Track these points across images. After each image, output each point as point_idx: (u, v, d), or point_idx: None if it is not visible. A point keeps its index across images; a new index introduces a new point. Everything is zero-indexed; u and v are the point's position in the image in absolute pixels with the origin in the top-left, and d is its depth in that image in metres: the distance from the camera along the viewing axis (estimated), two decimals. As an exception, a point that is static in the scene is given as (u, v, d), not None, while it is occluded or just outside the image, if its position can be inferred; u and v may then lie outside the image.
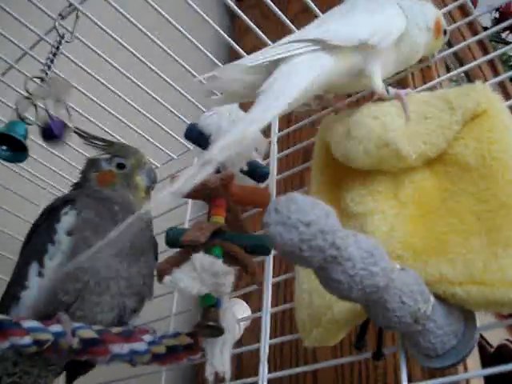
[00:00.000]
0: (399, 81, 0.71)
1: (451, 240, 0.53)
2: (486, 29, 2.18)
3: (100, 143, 0.76)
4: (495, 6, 0.80)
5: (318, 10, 0.80)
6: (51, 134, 0.70)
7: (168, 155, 0.99)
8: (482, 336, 0.93)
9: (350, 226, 0.59)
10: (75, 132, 0.75)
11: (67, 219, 0.68)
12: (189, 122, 0.87)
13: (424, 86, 0.74)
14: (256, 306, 0.74)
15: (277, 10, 0.79)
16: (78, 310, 0.64)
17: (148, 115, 0.91)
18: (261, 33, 0.83)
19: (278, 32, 0.96)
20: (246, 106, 0.60)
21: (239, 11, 0.81)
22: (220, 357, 0.63)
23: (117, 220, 0.68)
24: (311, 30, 0.62)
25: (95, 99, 0.88)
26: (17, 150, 0.71)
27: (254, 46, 1.04)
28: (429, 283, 0.51)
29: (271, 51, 0.59)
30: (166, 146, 0.98)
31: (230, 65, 0.60)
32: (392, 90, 0.62)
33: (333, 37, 0.59)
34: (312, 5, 0.80)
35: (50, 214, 0.70)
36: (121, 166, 0.74)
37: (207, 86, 0.63)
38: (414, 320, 0.47)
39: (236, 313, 0.72)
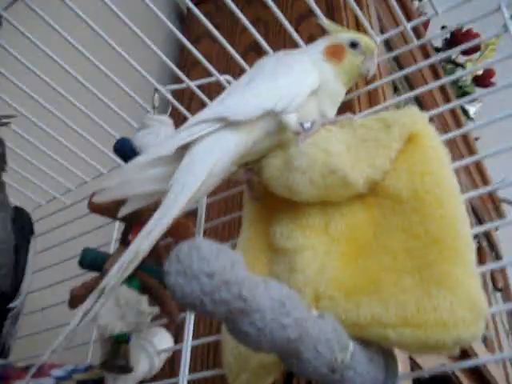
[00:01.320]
0: (345, 106, 0.67)
1: (384, 279, 0.50)
2: (437, 49, 2.20)
3: None
4: (450, 30, 0.73)
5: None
6: None
7: (97, 170, 0.95)
8: (414, 360, 0.92)
9: (279, 262, 0.57)
10: None
11: None
12: (117, 136, 0.84)
13: (369, 110, 0.70)
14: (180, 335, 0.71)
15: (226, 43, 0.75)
16: None
17: (76, 128, 0.87)
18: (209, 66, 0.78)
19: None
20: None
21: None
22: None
23: None
24: (215, 107, 0.59)
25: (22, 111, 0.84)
26: None
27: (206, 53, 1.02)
28: (361, 325, 0.48)
29: (171, 140, 0.56)
30: (96, 160, 0.94)
31: (123, 166, 0.57)
32: (306, 123, 0.58)
33: (234, 112, 0.56)
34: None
35: None
36: None
37: (108, 196, 0.56)
38: (330, 370, 0.44)
39: (157, 343, 0.68)
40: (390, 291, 0.49)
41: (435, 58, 0.76)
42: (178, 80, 0.81)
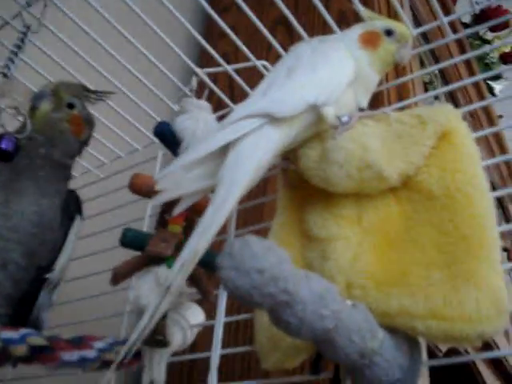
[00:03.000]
0: (374, 99, 0.67)
1: (413, 272, 0.53)
2: (465, 25, 2.18)
3: None
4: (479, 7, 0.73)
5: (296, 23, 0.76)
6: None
7: (132, 146, 0.98)
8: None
9: (312, 249, 0.59)
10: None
11: None
12: (152, 114, 0.87)
13: (398, 105, 0.72)
14: (212, 310, 0.74)
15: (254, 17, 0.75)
16: None
17: (113, 105, 0.89)
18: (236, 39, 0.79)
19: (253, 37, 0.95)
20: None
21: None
22: (157, 367, 0.64)
23: None
24: (257, 101, 0.60)
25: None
26: None
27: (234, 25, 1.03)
28: (390, 315, 0.51)
29: (218, 136, 0.58)
30: (129, 137, 0.97)
31: (172, 166, 0.58)
32: (344, 117, 0.60)
33: (279, 108, 0.58)
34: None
35: None
36: None
37: (163, 198, 0.59)
38: (360, 356, 0.48)
39: (189, 318, 0.72)
40: (419, 284, 0.52)
41: (463, 34, 0.76)
42: (204, 53, 0.80)
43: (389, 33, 0.66)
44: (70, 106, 0.72)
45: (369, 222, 0.58)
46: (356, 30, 0.67)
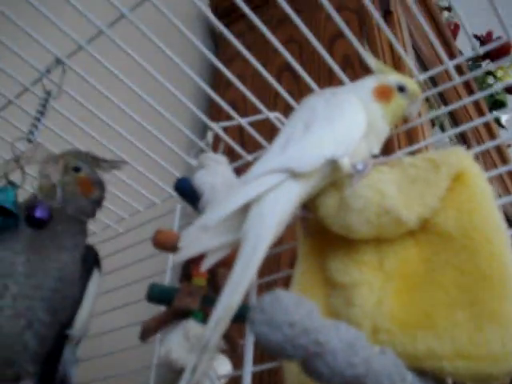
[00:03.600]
0: (384, 144, 0.69)
1: (437, 313, 0.54)
2: (467, 60, 2.21)
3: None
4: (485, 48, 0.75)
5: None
6: (34, 216, 0.67)
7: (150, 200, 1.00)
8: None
9: (336, 296, 0.60)
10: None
11: None
12: (171, 169, 0.89)
13: (409, 149, 0.74)
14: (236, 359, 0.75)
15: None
16: None
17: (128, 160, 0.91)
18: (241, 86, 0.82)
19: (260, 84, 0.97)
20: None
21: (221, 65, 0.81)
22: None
23: None
24: (276, 156, 0.62)
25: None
26: (6, 215, 0.68)
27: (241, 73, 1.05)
28: (418, 357, 0.52)
29: (240, 193, 0.59)
30: (147, 191, 0.99)
31: (197, 225, 0.59)
32: (360, 165, 0.62)
33: (299, 164, 0.60)
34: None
35: None
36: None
37: (184, 255, 0.59)
38: (391, 399, 0.49)
39: (217, 368, 0.72)
40: (444, 325, 0.52)
41: (469, 76, 0.79)
42: (213, 103, 0.83)
43: (401, 89, 0.69)
44: (76, 169, 0.76)
45: (390, 266, 0.59)
46: (369, 83, 0.70)
